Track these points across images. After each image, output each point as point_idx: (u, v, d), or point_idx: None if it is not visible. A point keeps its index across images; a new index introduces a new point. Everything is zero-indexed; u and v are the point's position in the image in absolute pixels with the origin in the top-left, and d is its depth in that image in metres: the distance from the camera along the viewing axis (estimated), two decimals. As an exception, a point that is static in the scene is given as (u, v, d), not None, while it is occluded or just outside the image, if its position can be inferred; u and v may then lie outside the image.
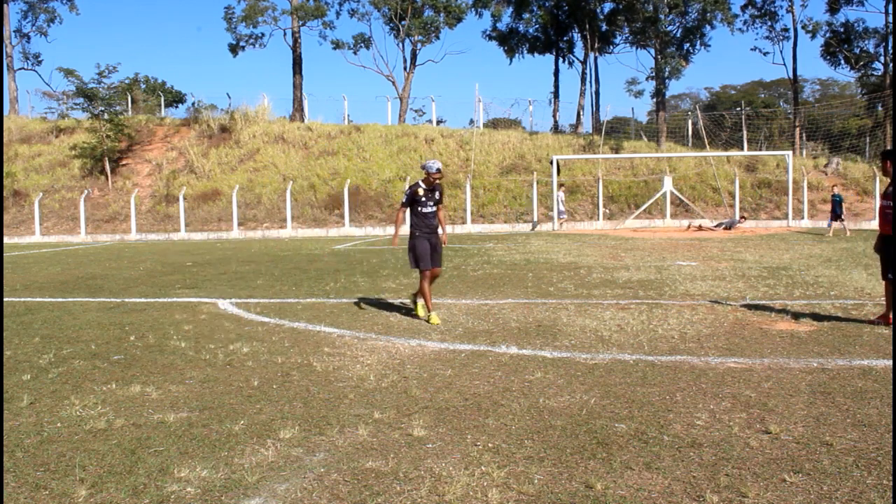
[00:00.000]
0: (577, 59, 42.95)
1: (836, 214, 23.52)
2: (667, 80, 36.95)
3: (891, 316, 7.06)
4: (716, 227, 25.75)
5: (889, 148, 29.13)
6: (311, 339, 6.81)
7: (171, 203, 30.72)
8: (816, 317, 7.55)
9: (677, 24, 38.08)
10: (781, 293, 9.34)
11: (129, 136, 34.78)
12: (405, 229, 8.37)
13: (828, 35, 39.54)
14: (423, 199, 7.86)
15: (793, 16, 39.97)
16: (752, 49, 65.75)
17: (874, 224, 22.00)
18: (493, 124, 42.04)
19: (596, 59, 41.02)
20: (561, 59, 43.44)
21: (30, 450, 3.89)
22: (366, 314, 8.28)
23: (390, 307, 8.81)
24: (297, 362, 5.86)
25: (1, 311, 8.31)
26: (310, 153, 34.11)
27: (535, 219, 28.72)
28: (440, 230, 8.00)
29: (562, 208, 28.14)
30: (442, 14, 40.93)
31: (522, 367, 5.55)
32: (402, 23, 40.49)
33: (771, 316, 7.67)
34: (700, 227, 25.80)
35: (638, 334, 6.77)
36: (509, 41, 42.52)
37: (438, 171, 7.80)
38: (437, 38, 41.90)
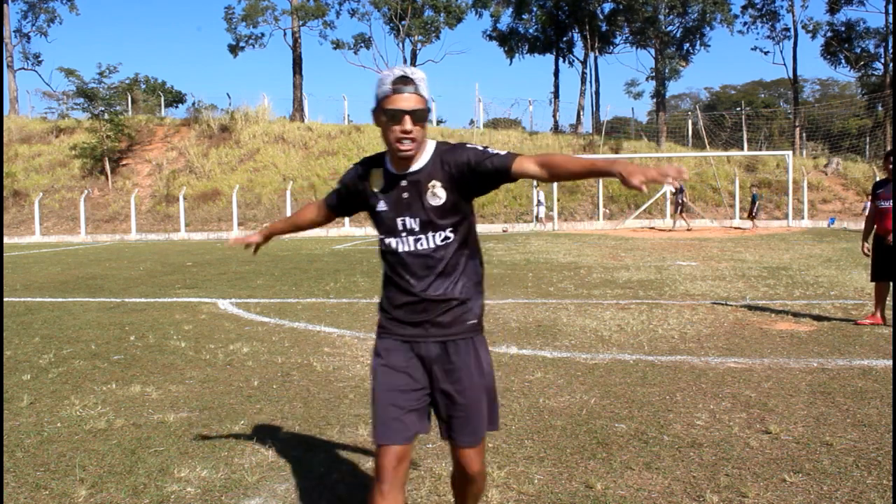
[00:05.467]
0: (577, 59, 43.03)
1: (750, 212, 25.34)
2: (666, 81, 36.97)
3: (878, 315, 7.07)
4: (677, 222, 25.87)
5: (890, 148, 29.16)
6: (311, 339, 6.81)
7: (171, 203, 30.72)
8: (816, 317, 7.55)
9: (677, 25, 38.10)
10: (781, 293, 9.34)
11: (129, 136, 34.79)
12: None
13: (828, 35, 39.57)
14: (384, 205, 2.40)
15: (793, 16, 40.04)
16: (752, 49, 65.98)
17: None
18: (494, 124, 42.06)
19: (596, 59, 41.11)
20: (561, 59, 43.51)
21: (30, 450, 3.89)
22: (366, 314, 8.27)
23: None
24: (297, 362, 5.86)
25: (1, 311, 8.31)
26: (310, 153, 34.12)
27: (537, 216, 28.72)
28: (457, 280, 2.38)
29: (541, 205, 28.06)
30: (442, 14, 40.98)
31: (522, 367, 5.54)
32: (402, 23, 40.50)
33: (771, 316, 7.67)
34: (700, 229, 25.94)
35: (638, 334, 6.77)
36: (509, 41, 42.56)
37: (398, 100, 2.23)
38: (437, 38, 42.00)
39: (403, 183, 2.34)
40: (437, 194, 2.32)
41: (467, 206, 2.39)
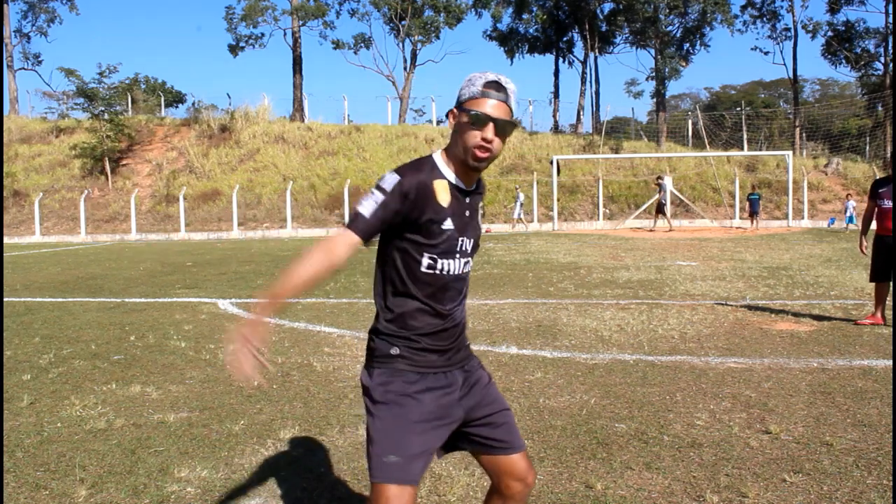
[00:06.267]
0: (577, 59, 43.03)
1: (753, 212, 25.27)
2: (666, 81, 36.98)
3: (878, 315, 7.06)
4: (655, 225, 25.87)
5: (892, 150, 29.18)
6: (311, 339, 6.81)
7: (171, 203, 30.72)
8: (816, 317, 7.55)
9: (677, 25, 38.11)
10: (781, 293, 9.34)
11: (130, 136, 34.79)
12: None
13: (828, 35, 39.57)
14: (450, 224, 2.10)
15: (793, 16, 40.03)
16: (752, 49, 65.96)
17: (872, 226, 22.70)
18: (493, 124, 41.99)
19: (596, 59, 41.09)
20: (561, 59, 43.50)
21: (30, 450, 3.89)
22: (366, 314, 8.27)
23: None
24: (297, 362, 5.86)
25: (1, 311, 8.31)
26: (310, 153, 34.12)
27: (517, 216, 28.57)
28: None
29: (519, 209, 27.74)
30: (442, 14, 40.97)
31: (522, 367, 5.54)
32: (402, 23, 40.51)
33: (771, 316, 7.67)
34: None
35: (638, 334, 6.77)
36: (509, 41, 42.55)
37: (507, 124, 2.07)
38: (437, 38, 41.97)
39: (468, 200, 2.15)
40: (475, 221, 2.21)
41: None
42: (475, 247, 2.20)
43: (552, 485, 3.33)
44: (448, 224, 2.08)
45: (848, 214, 23.84)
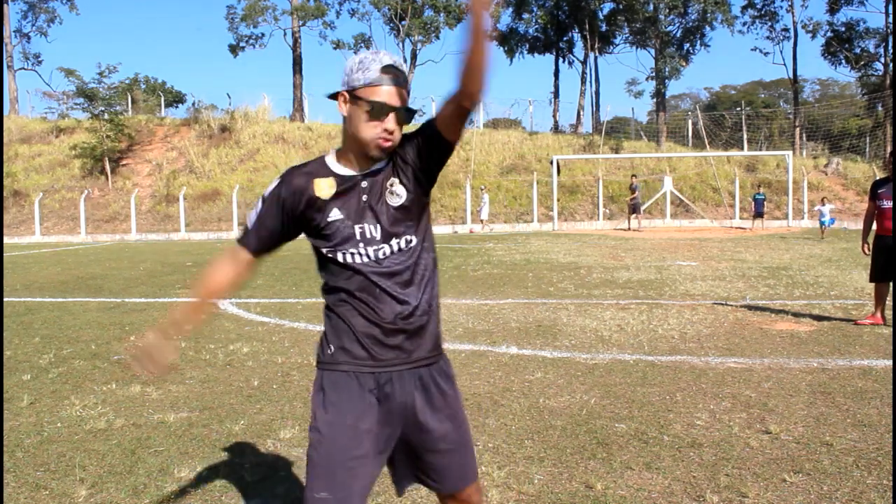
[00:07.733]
0: (577, 59, 43.03)
1: (758, 213, 25.25)
2: (666, 81, 36.99)
3: (878, 315, 7.06)
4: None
5: (891, 149, 29.19)
6: (311, 339, 6.81)
7: (171, 203, 30.72)
8: (816, 317, 7.55)
9: (677, 25, 38.12)
10: (781, 293, 9.34)
11: (130, 136, 34.77)
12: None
13: (828, 35, 39.57)
14: (335, 213, 1.98)
15: (793, 16, 40.03)
16: (752, 49, 65.83)
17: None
18: (494, 124, 42.03)
19: (596, 59, 41.10)
20: (561, 59, 43.50)
21: (30, 450, 3.89)
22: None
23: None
24: (297, 362, 5.86)
25: (1, 311, 8.30)
26: (310, 153, 34.11)
27: (476, 219, 28.62)
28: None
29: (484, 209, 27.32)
30: (442, 14, 40.97)
31: (522, 367, 5.54)
32: (402, 23, 40.51)
33: (771, 316, 7.67)
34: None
35: (638, 334, 6.77)
36: (509, 41, 42.53)
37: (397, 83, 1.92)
38: (437, 38, 41.97)
39: (364, 184, 1.99)
40: (400, 190, 1.99)
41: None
42: (387, 230, 1.98)
43: (552, 485, 3.33)
44: (335, 215, 1.97)
45: (825, 218, 23.43)
